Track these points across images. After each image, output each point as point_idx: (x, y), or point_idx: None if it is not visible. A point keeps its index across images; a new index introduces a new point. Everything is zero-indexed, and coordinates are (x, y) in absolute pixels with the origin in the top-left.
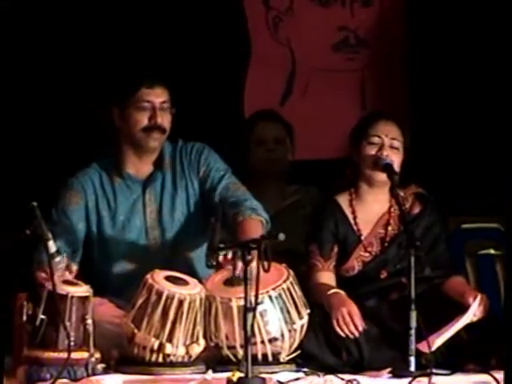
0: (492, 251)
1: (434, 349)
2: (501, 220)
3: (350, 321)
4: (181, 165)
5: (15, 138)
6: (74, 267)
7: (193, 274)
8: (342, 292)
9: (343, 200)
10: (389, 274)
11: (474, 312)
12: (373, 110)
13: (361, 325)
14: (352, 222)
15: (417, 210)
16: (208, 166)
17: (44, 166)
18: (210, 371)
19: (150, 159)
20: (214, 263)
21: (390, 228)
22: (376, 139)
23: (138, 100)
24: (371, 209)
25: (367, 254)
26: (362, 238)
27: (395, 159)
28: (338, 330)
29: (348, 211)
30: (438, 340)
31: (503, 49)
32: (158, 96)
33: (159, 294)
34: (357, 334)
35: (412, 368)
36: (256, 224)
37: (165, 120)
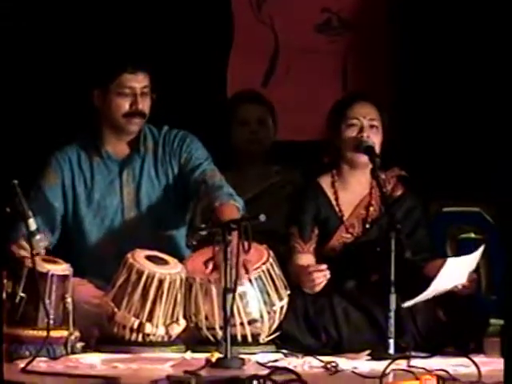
0: (473, 235)
1: (405, 305)
2: (482, 204)
3: (315, 269)
4: (163, 150)
5: None
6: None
7: (173, 254)
8: None
9: (325, 182)
10: (370, 256)
11: (455, 281)
12: (349, 92)
13: (324, 266)
14: (334, 203)
15: (398, 192)
16: (189, 153)
17: (26, 144)
18: (189, 351)
19: (129, 139)
20: (195, 243)
21: (371, 209)
22: (355, 121)
23: (120, 85)
24: (353, 190)
25: (349, 236)
26: (344, 219)
27: (375, 140)
28: (307, 288)
29: (330, 193)
30: (410, 301)
31: (488, 32)
32: (139, 81)
33: (140, 274)
34: (327, 275)
35: (391, 350)
36: (233, 209)
37: (145, 105)
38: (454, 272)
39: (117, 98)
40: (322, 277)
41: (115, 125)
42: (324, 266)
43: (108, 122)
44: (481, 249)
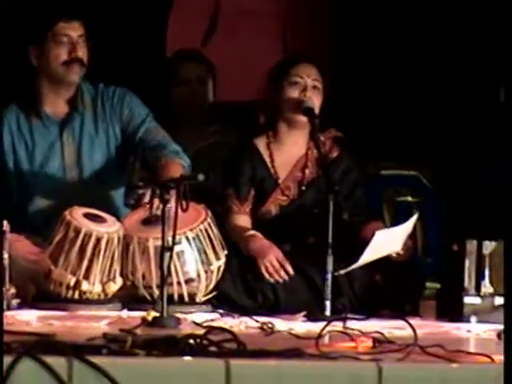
0: (410, 198)
1: (339, 273)
2: (419, 168)
3: (280, 266)
4: (102, 107)
5: None
6: None
7: (112, 213)
8: (259, 234)
9: (261, 143)
10: (307, 218)
11: (388, 249)
12: (293, 52)
13: (291, 269)
14: (269, 165)
15: (335, 153)
16: (130, 110)
17: None
18: (125, 310)
19: (67, 96)
20: (133, 202)
21: (307, 171)
22: (298, 79)
23: (56, 34)
24: (289, 152)
25: (284, 198)
26: (279, 181)
27: (316, 101)
28: (267, 276)
29: (265, 154)
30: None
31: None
32: (75, 30)
33: (77, 231)
34: (286, 278)
35: (327, 312)
36: (177, 166)
37: (84, 53)
38: (386, 242)
39: (54, 47)
40: (277, 276)
41: (54, 76)
42: (289, 271)
43: (46, 75)
44: (413, 218)
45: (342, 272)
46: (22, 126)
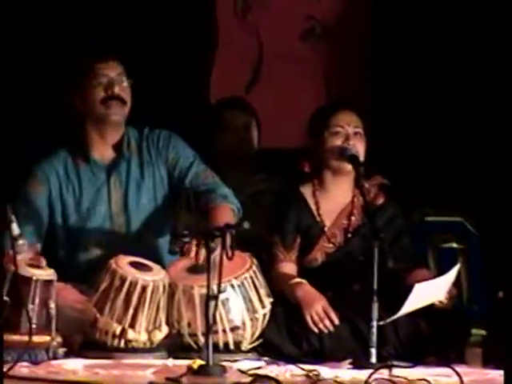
0: (455, 245)
1: (385, 321)
2: (464, 214)
3: (325, 316)
4: (148, 152)
5: None
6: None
7: (157, 260)
8: (305, 281)
9: (306, 190)
10: (352, 265)
11: (431, 299)
12: (331, 100)
13: (336, 318)
14: (315, 212)
15: (380, 201)
16: (176, 153)
17: (12, 152)
18: (171, 358)
19: (113, 140)
20: (178, 250)
21: (353, 218)
22: (339, 129)
23: (93, 75)
24: (335, 199)
25: (330, 245)
26: (326, 229)
27: (360, 147)
28: (311, 325)
29: (311, 202)
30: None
31: (470, 38)
32: (112, 69)
33: (123, 280)
34: (331, 329)
35: (373, 359)
36: (227, 211)
37: (122, 90)
38: (427, 292)
39: (92, 87)
40: (322, 325)
41: (96, 117)
42: (334, 320)
43: (90, 118)
44: (456, 268)
45: (387, 321)
46: (69, 172)
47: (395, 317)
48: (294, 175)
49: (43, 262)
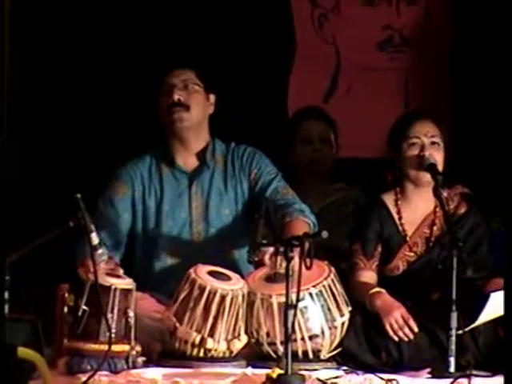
0: None
1: (464, 330)
2: None
3: (404, 324)
4: (232, 165)
5: (63, 131)
6: (119, 264)
7: (235, 271)
8: (384, 290)
9: (389, 199)
10: (431, 274)
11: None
12: (408, 110)
13: (415, 326)
14: (397, 222)
15: (462, 210)
16: (259, 169)
17: (90, 158)
18: (250, 367)
19: (196, 148)
20: (256, 259)
21: (435, 228)
22: (415, 140)
23: (162, 84)
24: (416, 209)
25: (412, 254)
26: (407, 238)
27: (437, 157)
28: (391, 334)
29: (394, 211)
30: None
31: None
32: (176, 76)
33: (202, 289)
34: (411, 337)
35: (452, 369)
36: (303, 225)
37: (186, 96)
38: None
39: (160, 97)
40: (401, 333)
41: (165, 125)
42: (414, 328)
43: (165, 126)
44: None
45: (466, 330)
46: (153, 175)
47: (472, 326)
48: (373, 184)
49: (121, 271)
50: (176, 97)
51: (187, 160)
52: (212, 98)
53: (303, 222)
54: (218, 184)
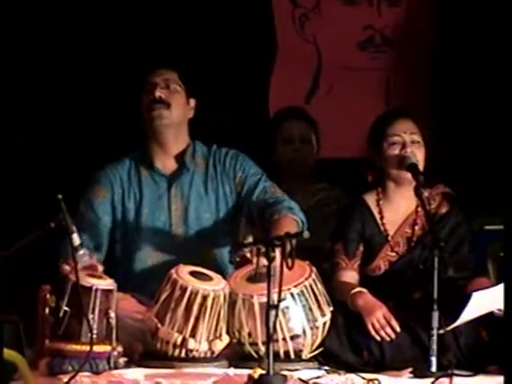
0: None
1: (445, 329)
2: None
3: (386, 323)
4: (214, 168)
5: (44, 131)
6: (100, 263)
7: (217, 270)
8: (365, 290)
9: (371, 199)
10: (413, 274)
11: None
12: (387, 110)
13: (397, 326)
14: (379, 221)
15: (444, 209)
16: (244, 171)
17: (71, 159)
18: (231, 367)
19: (175, 151)
20: (238, 259)
21: (416, 228)
22: (396, 138)
23: (144, 84)
24: (398, 208)
25: (393, 254)
26: (389, 237)
27: (418, 154)
28: (373, 333)
29: (375, 211)
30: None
31: None
32: (159, 75)
33: (183, 289)
34: (393, 336)
35: (433, 368)
36: (290, 222)
37: (167, 94)
38: (486, 301)
39: (142, 96)
40: (383, 333)
41: (145, 123)
42: (396, 328)
43: (145, 126)
44: None
45: (447, 329)
46: (132, 178)
47: (454, 325)
48: (355, 184)
49: (99, 270)
50: (157, 94)
51: (166, 163)
52: (192, 102)
53: (292, 220)
54: (198, 187)
